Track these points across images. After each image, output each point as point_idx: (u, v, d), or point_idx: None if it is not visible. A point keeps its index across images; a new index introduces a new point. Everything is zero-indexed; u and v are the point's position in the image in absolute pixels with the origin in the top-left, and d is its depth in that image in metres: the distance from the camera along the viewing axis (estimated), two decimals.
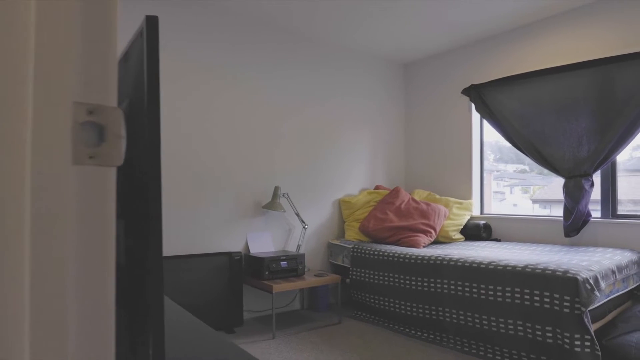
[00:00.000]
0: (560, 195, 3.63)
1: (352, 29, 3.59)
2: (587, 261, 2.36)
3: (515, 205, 3.81)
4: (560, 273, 2.18)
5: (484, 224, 3.61)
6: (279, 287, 2.95)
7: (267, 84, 3.53)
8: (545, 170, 3.66)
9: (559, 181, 3.68)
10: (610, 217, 3.04)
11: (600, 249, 2.79)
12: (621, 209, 3.04)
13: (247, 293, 3.41)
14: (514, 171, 3.77)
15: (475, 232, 3.60)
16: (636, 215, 2.94)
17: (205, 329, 1.15)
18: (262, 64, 3.50)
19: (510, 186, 3.81)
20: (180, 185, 3.06)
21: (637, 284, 2.67)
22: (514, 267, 2.38)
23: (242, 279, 3.20)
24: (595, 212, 3.09)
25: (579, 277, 2.11)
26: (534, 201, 3.76)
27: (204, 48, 3.18)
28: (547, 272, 2.23)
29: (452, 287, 2.65)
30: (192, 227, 3.12)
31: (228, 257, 3.17)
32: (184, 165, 3.09)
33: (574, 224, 3.02)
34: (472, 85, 3.80)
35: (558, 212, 3.63)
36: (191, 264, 2.99)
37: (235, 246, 3.34)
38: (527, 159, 3.79)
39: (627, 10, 2.92)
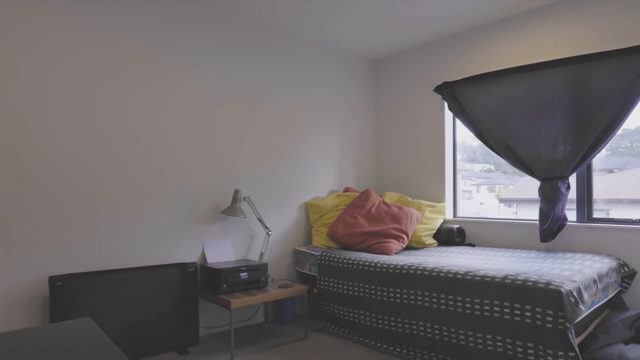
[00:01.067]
0: (526, 194, 3.62)
1: (320, 21, 3.34)
2: (569, 270, 2.21)
3: (482, 203, 3.83)
4: (542, 285, 2.01)
5: (457, 228, 3.45)
6: (238, 301, 2.66)
7: (227, 78, 3.23)
8: (510, 170, 3.66)
9: (525, 181, 3.65)
10: (586, 221, 2.93)
11: (579, 255, 2.67)
12: (595, 207, 2.93)
13: (204, 307, 3.10)
14: (480, 170, 3.72)
15: (449, 236, 3.44)
16: (612, 219, 2.84)
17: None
18: (222, 56, 3.19)
19: (477, 185, 3.75)
20: (125, 188, 2.72)
21: (616, 291, 2.55)
22: (493, 278, 2.20)
23: (198, 292, 2.89)
24: (570, 215, 2.98)
25: (562, 290, 1.94)
26: (500, 200, 3.79)
27: (156, 38, 2.85)
28: (528, 283, 2.06)
29: (427, 299, 2.45)
30: (139, 235, 2.78)
31: (181, 268, 2.85)
32: (131, 166, 2.74)
33: (550, 229, 2.89)
34: (444, 82, 3.64)
35: (524, 211, 3.68)
36: (138, 278, 2.66)
37: (190, 256, 3.02)
38: (493, 158, 3.75)
39: (603, 7, 2.82)
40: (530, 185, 3.66)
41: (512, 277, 2.15)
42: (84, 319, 1.59)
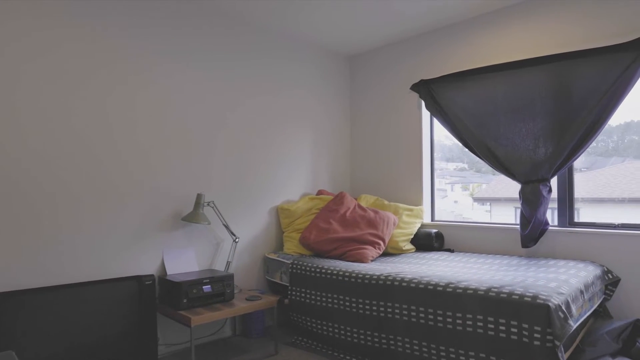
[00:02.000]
0: (499, 194, 3.59)
1: (292, 14, 3.11)
2: (555, 281, 2.07)
3: (456, 202, 3.83)
4: (528, 299, 1.86)
5: (435, 232, 3.30)
6: (200, 318, 2.41)
7: (191, 73, 2.96)
8: (483, 168, 3.63)
9: (498, 179, 3.61)
10: (568, 225, 2.82)
11: (562, 262, 2.55)
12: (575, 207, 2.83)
13: (165, 322, 2.83)
14: (454, 169, 3.64)
15: (427, 241, 3.28)
16: (594, 223, 2.74)
17: None
18: (185, 49, 2.92)
19: (451, 184, 3.74)
20: (71, 192, 2.42)
21: (600, 300, 2.44)
22: (476, 290, 2.04)
23: (156, 308, 2.62)
24: (551, 219, 2.87)
25: (550, 304, 1.79)
26: (475, 199, 3.81)
27: (122, 35, 2.55)
28: (513, 297, 1.91)
29: (405, 312, 2.27)
30: (89, 246, 2.49)
31: (137, 282, 2.58)
32: (78, 168, 2.45)
33: (532, 234, 2.77)
34: (421, 80, 3.48)
35: (498, 210, 3.66)
36: (86, 294, 2.37)
37: (148, 267, 2.75)
38: (467, 157, 3.69)
39: (587, 3, 2.71)
40: (503, 185, 3.70)
41: (496, 290, 1.99)
42: (5, 354, 1.32)
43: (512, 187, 3.58)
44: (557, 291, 1.92)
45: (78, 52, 2.46)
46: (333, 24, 3.34)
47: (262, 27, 3.38)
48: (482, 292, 2.01)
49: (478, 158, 3.14)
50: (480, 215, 3.79)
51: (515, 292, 1.93)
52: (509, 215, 3.70)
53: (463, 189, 3.86)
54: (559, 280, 2.08)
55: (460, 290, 2.08)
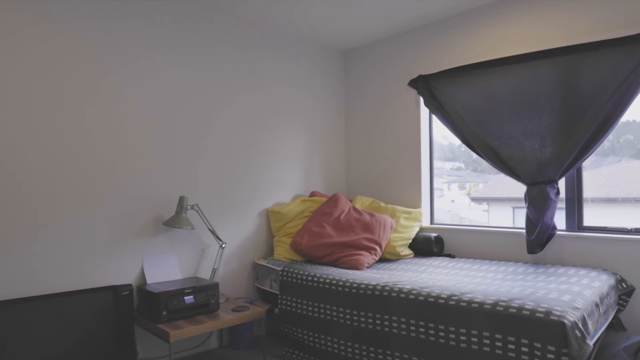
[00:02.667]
0: (497, 193, 3.51)
1: (283, 5, 2.91)
2: (568, 293, 1.89)
3: (453, 201, 3.74)
4: (541, 315, 1.67)
5: (435, 237, 3.11)
6: (180, 333, 2.21)
7: (175, 70, 2.75)
8: (480, 167, 3.56)
9: (496, 179, 3.48)
10: (577, 229, 2.65)
11: (572, 270, 2.36)
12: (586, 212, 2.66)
13: (144, 335, 2.62)
14: (451, 168, 3.57)
15: (426, 246, 3.09)
16: (605, 228, 2.56)
17: None
18: (168, 44, 2.72)
19: (447, 183, 3.70)
20: (39, 194, 2.21)
21: (614, 311, 2.27)
22: (482, 303, 1.85)
23: (133, 320, 2.42)
24: (558, 222, 2.68)
25: (565, 321, 1.61)
26: (473, 199, 3.74)
27: (98, 29, 2.35)
28: (524, 312, 1.72)
29: (403, 326, 2.08)
30: (59, 253, 2.28)
31: (113, 292, 2.38)
32: (57, 168, 2.24)
33: (539, 239, 2.59)
34: (420, 75, 3.29)
35: (496, 209, 3.57)
36: (57, 306, 2.17)
37: (126, 276, 2.54)
38: (463, 156, 3.58)
39: None
40: (501, 184, 3.61)
41: (504, 304, 1.80)
42: None
43: (510, 187, 3.44)
44: (572, 305, 1.73)
45: (57, 50, 2.25)
46: (326, 16, 3.14)
47: (251, 19, 3.17)
48: (489, 307, 1.82)
49: (476, 157, 2.96)
50: (477, 214, 3.72)
51: (526, 306, 1.74)
52: (507, 216, 3.60)
53: (460, 188, 3.80)
54: (573, 292, 1.90)
55: (464, 304, 1.89)
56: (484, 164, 3.54)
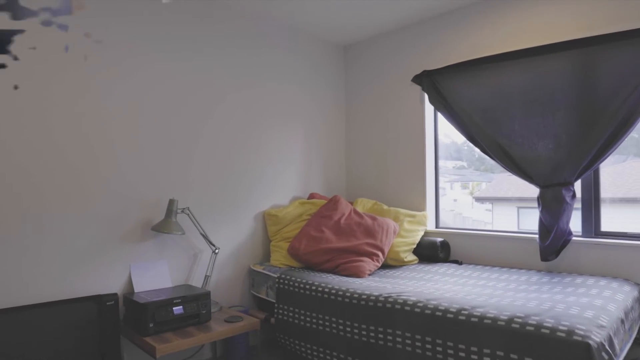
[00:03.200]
0: (501, 193, 3.46)
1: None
2: (590, 308, 1.72)
3: (455, 200, 3.69)
4: (562, 334, 1.50)
5: (441, 241, 2.94)
6: (167, 347, 2.05)
7: (166, 65, 2.59)
8: (482, 166, 3.50)
9: (500, 178, 3.35)
10: (594, 235, 2.47)
11: (591, 281, 2.19)
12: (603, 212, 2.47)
13: (131, 347, 2.47)
14: (453, 167, 3.54)
15: (432, 252, 2.92)
16: (625, 233, 2.39)
17: None
18: (158, 38, 2.55)
19: (450, 182, 3.63)
20: (18, 197, 2.06)
21: (638, 326, 2.09)
22: (495, 319, 1.68)
23: (120, 331, 2.26)
24: (574, 226, 2.51)
25: (591, 342, 1.44)
26: (476, 199, 3.70)
27: (87, 24, 2.18)
28: (543, 330, 1.55)
29: (408, 341, 1.92)
30: (38, 261, 2.12)
31: (97, 302, 2.22)
32: (46, 168, 2.08)
33: (553, 245, 2.41)
34: (424, 71, 3.12)
35: (499, 209, 3.50)
36: (36, 318, 2.01)
37: (112, 285, 2.38)
38: (466, 155, 3.48)
39: None
40: (505, 183, 3.52)
41: (519, 321, 1.63)
42: None
43: (514, 186, 3.30)
44: (596, 323, 1.56)
45: (46, 47, 2.09)
46: (326, 9, 2.97)
47: (246, 12, 3.01)
48: (503, 323, 1.65)
49: (479, 156, 2.81)
50: (480, 214, 3.66)
51: (545, 324, 1.57)
52: (512, 216, 3.49)
53: (463, 187, 3.75)
54: (595, 308, 1.73)
55: (476, 320, 1.72)
56: (487, 163, 3.41)
